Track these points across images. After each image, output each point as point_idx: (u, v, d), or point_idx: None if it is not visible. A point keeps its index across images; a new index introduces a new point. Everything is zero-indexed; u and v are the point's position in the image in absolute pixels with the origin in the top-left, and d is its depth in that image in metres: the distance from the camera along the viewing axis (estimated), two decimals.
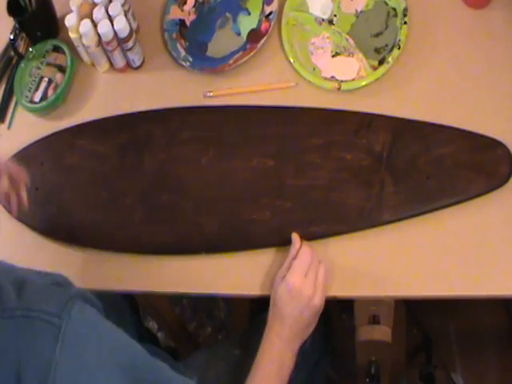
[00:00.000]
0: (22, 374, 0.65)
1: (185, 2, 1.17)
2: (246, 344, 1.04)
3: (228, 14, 1.14)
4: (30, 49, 1.19)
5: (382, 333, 1.03)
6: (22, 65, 1.18)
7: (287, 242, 0.94)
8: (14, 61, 1.22)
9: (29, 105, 1.15)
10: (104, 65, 1.16)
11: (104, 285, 1.02)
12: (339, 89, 1.02)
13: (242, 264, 0.97)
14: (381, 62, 1.02)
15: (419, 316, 1.50)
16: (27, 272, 0.76)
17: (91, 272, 1.03)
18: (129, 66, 1.15)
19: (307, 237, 0.94)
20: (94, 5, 1.09)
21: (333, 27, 1.08)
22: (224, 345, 1.17)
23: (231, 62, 1.09)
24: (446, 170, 0.93)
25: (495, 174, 0.91)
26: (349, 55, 1.05)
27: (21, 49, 1.20)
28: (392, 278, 0.91)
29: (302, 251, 0.92)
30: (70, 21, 1.10)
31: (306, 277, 0.89)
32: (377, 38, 1.05)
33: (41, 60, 1.18)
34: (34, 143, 1.13)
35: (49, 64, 1.17)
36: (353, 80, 1.03)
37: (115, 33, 1.08)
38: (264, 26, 1.10)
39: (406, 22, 1.02)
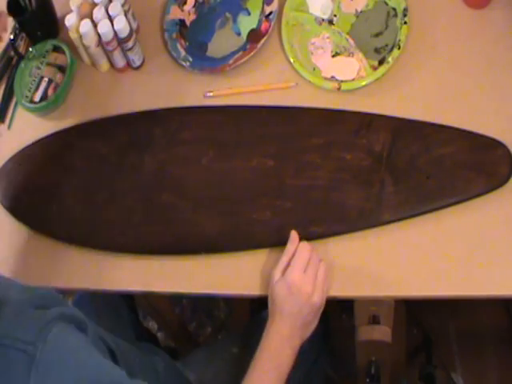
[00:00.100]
0: None
1: (185, 2, 1.17)
2: (245, 342, 1.04)
3: (228, 14, 1.14)
4: (30, 49, 1.19)
5: (381, 333, 1.03)
6: (22, 65, 1.18)
7: (287, 242, 0.94)
8: (13, 61, 1.22)
9: (29, 105, 1.15)
10: (104, 65, 1.16)
11: (104, 285, 1.02)
12: (339, 89, 1.02)
13: (241, 264, 0.97)
14: (381, 62, 1.02)
15: (419, 316, 1.50)
16: (9, 287, 0.74)
17: (91, 272, 1.03)
18: (129, 65, 1.15)
19: (307, 237, 0.94)
20: (94, 5, 1.09)
21: (333, 27, 1.08)
22: (223, 343, 1.17)
23: (231, 62, 1.09)
24: (446, 169, 0.93)
25: (495, 174, 0.91)
26: (349, 55, 1.05)
27: (21, 49, 1.20)
28: (392, 278, 0.91)
29: (301, 248, 0.91)
30: (69, 21, 1.10)
31: (305, 273, 0.89)
32: (377, 38, 1.05)
33: (41, 60, 1.17)
34: (34, 143, 1.13)
35: (49, 64, 1.17)
36: (353, 80, 1.03)
37: (115, 33, 1.08)
38: (264, 26, 1.10)
39: (406, 22, 1.02)
